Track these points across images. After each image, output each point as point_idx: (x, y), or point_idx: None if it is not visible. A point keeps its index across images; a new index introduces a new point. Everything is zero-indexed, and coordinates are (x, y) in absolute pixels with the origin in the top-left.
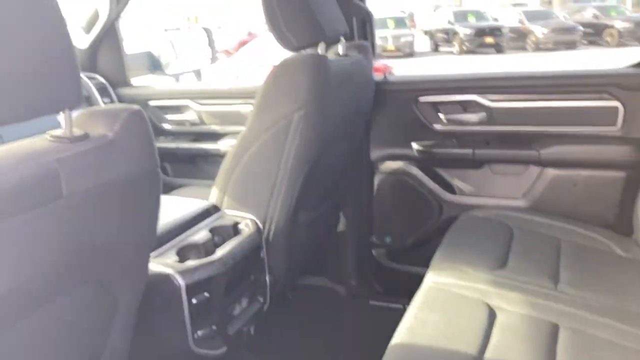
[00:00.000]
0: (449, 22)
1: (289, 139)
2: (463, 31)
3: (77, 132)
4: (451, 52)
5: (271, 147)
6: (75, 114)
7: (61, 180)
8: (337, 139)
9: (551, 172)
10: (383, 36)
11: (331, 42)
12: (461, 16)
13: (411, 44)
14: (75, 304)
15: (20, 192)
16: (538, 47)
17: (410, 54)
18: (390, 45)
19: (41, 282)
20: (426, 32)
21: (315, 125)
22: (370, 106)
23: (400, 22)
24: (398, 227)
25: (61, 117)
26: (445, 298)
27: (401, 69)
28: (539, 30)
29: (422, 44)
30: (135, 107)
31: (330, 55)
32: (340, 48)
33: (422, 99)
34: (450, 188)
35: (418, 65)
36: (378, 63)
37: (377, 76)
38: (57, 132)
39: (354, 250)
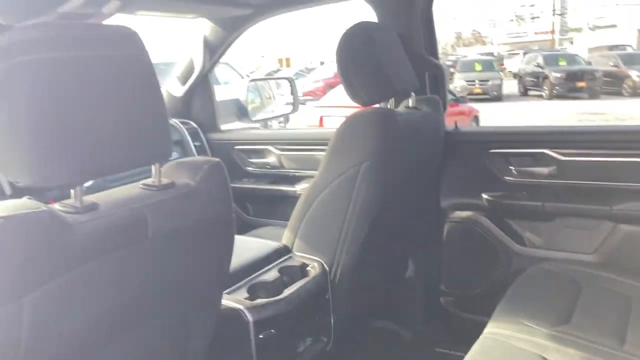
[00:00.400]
0: (539, 66)
1: (356, 188)
2: (553, 75)
3: (165, 181)
4: (540, 96)
5: (339, 194)
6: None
7: (148, 224)
8: (405, 188)
9: (625, 228)
10: (470, 79)
11: (402, 97)
12: (552, 60)
13: (499, 87)
14: (154, 334)
15: (113, 233)
16: (635, 92)
17: (498, 98)
18: (477, 88)
19: (125, 312)
20: (515, 75)
21: (381, 175)
22: (440, 156)
23: (488, 65)
24: (466, 275)
25: (153, 168)
26: (501, 350)
27: (487, 113)
28: (636, 74)
29: (511, 87)
30: (215, 159)
31: (401, 108)
32: (410, 101)
33: (493, 150)
34: (520, 239)
35: (505, 110)
36: (464, 106)
37: (449, 127)
38: (148, 181)
39: (422, 296)
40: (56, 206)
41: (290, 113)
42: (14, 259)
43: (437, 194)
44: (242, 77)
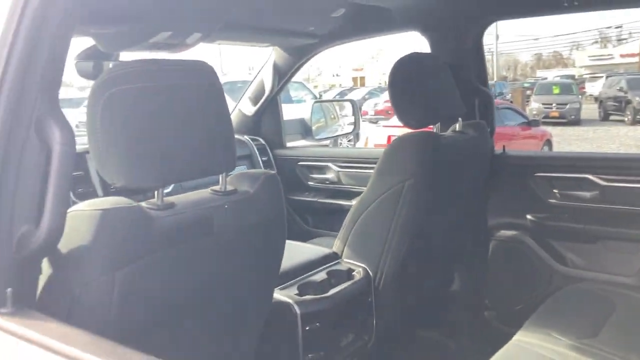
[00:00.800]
0: (622, 90)
1: (400, 203)
2: (637, 99)
3: (229, 188)
4: (622, 122)
5: (385, 208)
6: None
7: (214, 222)
8: (447, 205)
9: None
10: (547, 102)
11: (449, 121)
12: (636, 83)
13: (577, 110)
14: (214, 317)
15: (186, 227)
16: None
17: (576, 122)
18: (555, 112)
19: (193, 293)
20: (596, 99)
21: (424, 193)
22: (485, 178)
23: (566, 88)
24: (510, 292)
25: (220, 177)
26: (524, 356)
27: (561, 138)
28: None
29: (591, 111)
30: (271, 172)
31: (449, 132)
32: (457, 126)
33: (538, 174)
34: (562, 260)
35: (580, 135)
36: (536, 130)
37: (498, 150)
38: (216, 187)
39: (467, 309)
40: (143, 204)
41: (351, 133)
42: (111, 241)
43: (484, 213)
44: (315, 96)
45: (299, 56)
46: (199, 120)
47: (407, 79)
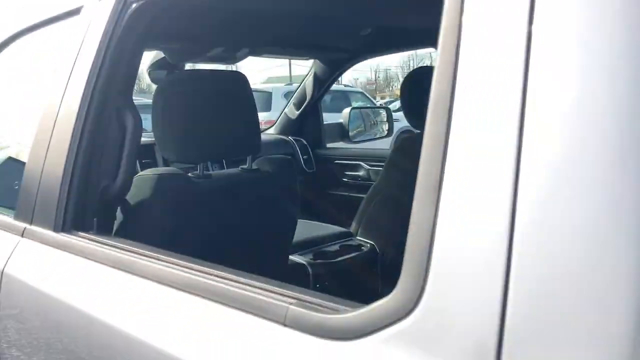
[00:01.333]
0: None
1: (403, 195)
2: None
3: (254, 167)
4: None
5: (391, 197)
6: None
7: (239, 191)
8: None
9: None
10: None
11: None
12: None
13: None
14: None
15: (218, 192)
16: None
17: None
18: None
19: (224, 240)
20: None
21: None
22: None
23: None
24: None
25: (248, 159)
26: None
27: None
28: None
29: None
30: (288, 157)
31: None
32: None
33: None
34: None
35: None
36: None
37: None
38: (244, 166)
39: None
40: (189, 174)
41: (385, 137)
42: (163, 197)
43: None
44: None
45: (335, 68)
46: (231, 116)
47: (413, 87)
